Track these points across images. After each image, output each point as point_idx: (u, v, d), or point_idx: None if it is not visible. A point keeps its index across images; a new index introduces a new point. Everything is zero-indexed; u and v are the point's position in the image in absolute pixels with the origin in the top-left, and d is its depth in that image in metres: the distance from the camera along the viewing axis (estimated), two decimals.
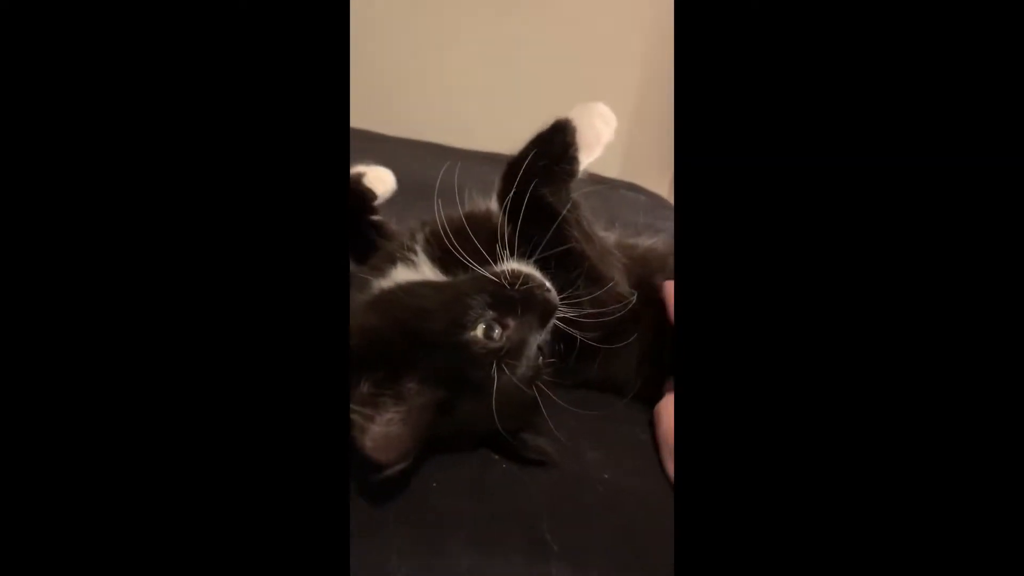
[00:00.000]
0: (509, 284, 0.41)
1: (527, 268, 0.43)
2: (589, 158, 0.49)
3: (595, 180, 1.28)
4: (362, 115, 1.22)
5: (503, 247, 0.43)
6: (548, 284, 0.42)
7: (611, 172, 1.40)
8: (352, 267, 0.56)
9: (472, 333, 0.39)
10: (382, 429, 0.34)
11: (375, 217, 0.58)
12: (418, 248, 0.47)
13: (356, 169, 0.59)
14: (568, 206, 0.46)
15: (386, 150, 1.19)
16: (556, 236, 0.44)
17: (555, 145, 0.48)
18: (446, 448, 0.39)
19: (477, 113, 1.49)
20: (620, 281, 0.47)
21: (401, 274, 0.47)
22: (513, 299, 0.40)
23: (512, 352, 0.39)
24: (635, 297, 0.46)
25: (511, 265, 0.42)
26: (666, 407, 0.44)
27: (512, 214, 0.45)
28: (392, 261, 0.48)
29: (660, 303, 0.46)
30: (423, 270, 0.47)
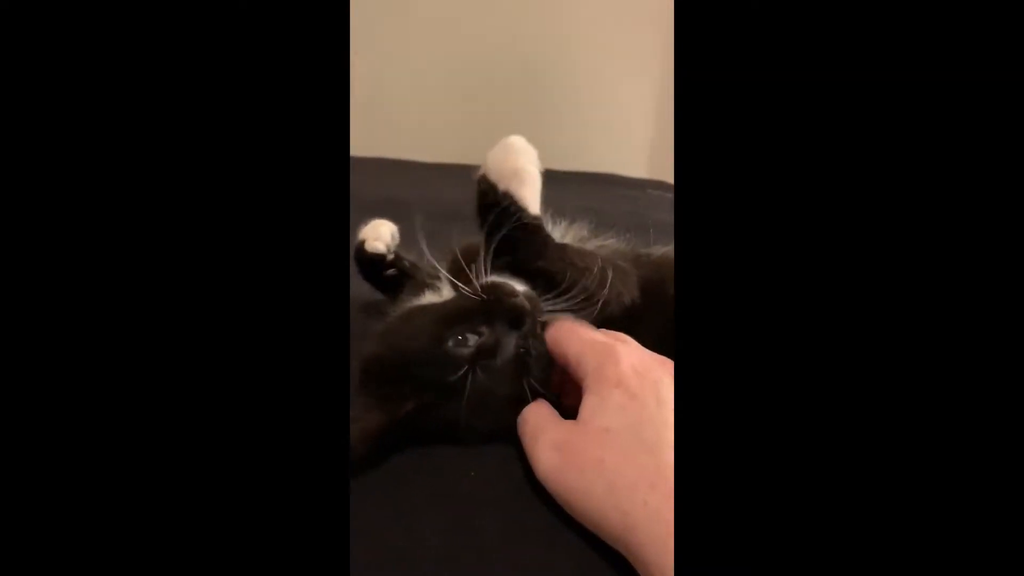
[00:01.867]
0: (481, 295, 0.45)
1: (501, 279, 0.47)
2: (528, 192, 0.49)
3: (621, 183, 1.30)
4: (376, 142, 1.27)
5: (479, 264, 0.48)
6: (517, 290, 0.46)
7: (638, 172, 1.41)
8: (384, 298, 0.61)
9: (448, 343, 0.44)
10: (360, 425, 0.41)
11: (391, 271, 0.61)
12: (441, 275, 0.51)
13: (358, 237, 0.62)
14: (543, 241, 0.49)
15: (411, 175, 1.23)
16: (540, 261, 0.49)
17: (489, 198, 0.49)
18: (454, 442, 0.45)
19: (495, 127, 1.51)
20: (624, 292, 0.50)
21: (428, 300, 0.51)
22: (482, 307, 0.45)
23: (485, 354, 0.43)
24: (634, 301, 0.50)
25: (488, 279, 0.47)
26: (530, 411, 0.44)
27: (488, 236, 0.49)
28: (423, 289, 0.52)
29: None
30: (444, 294, 0.51)
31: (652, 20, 1.50)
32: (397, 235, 0.63)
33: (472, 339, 0.44)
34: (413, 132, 1.50)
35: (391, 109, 1.51)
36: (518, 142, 0.50)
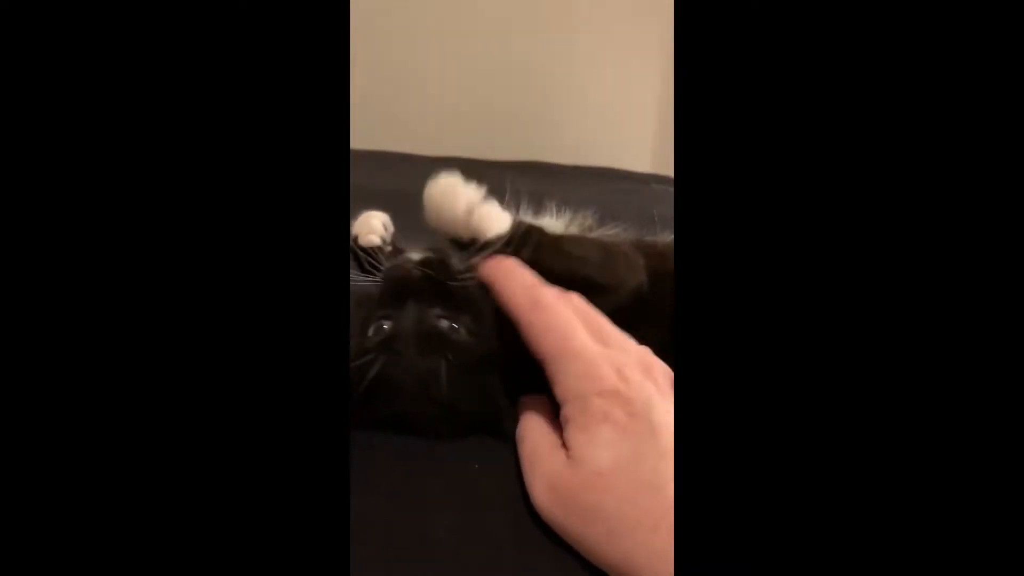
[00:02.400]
0: (377, 278, 0.43)
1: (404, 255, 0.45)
2: (493, 223, 0.46)
3: (625, 177, 1.31)
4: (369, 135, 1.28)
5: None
6: (408, 259, 0.43)
7: (642, 166, 1.41)
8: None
9: (369, 333, 0.41)
10: None
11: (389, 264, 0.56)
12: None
13: (352, 232, 0.59)
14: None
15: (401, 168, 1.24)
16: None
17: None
18: (433, 435, 0.43)
19: (500, 122, 1.51)
20: (631, 278, 0.47)
21: None
22: (384, 290, 0.42)
23: (392, 341, 0.40)
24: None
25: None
26: (527, 427, 0.40)
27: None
28: None
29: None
30: None
31: (656, 16, 1.50)
32: (390, 224, 0.61)
33: (387, 325, 0.41)
34: (418, 126, 1.51)
35: (395, 103, 1.52)
36: (445, 184, 0.47)
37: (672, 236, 0.58)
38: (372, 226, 0.60)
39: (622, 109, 1.63)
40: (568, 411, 0.37)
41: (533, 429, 0.40)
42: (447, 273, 0.42)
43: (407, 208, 0.65)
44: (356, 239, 0.59)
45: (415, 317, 0.41)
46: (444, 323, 0.41)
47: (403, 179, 1.10)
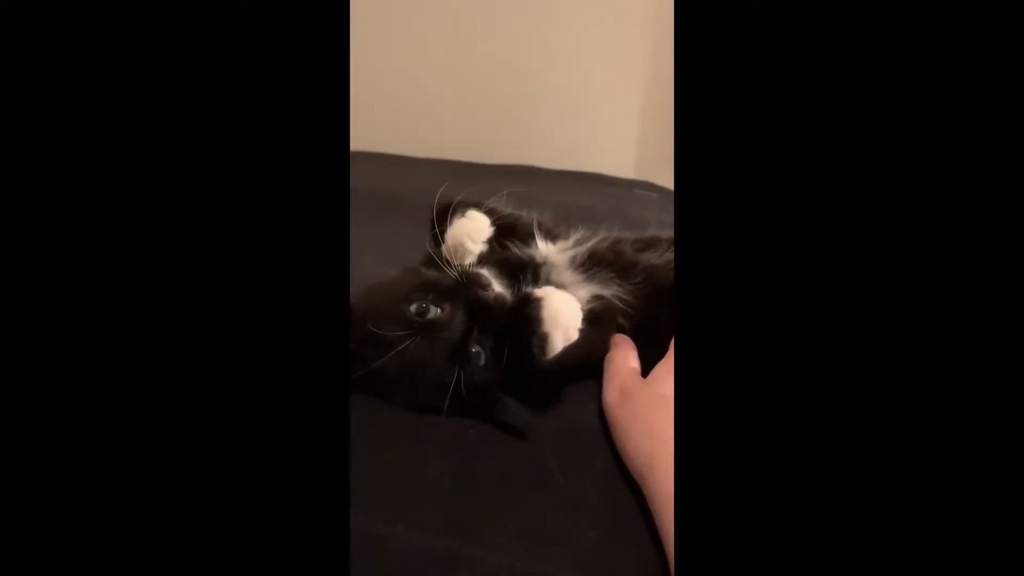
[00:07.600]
0: (459, 276, 0.50)
1: (485, 271, 0.52)
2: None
3: (608, 182, 1.33)
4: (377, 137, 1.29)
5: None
6: (489, 284, 0.50)
7: (625, 172, 1.44)
8: None
9: (409, 307, 0.48)
10: None
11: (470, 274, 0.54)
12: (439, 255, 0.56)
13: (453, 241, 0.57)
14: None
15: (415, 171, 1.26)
16: None
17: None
18: (380, 395, 0.49)
19: (488, 127, 1.54)
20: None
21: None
22: (452, 288, 0.49)
23: (433, 329, 0.47)
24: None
25: (473, 268, 0.52)
26: (617, 352, 0.53)
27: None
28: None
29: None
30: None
31: (641, 24, 1.53)
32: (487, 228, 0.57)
33: (433, 311, 0.47)
34: (405, 128, 1.53)
35: (390, 107, 1.53)
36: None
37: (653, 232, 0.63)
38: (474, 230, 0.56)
39: (605, 115, 1.65)
40: (667, 357, 0.51)
41: (620, 354, 0.53)
42: (502, 312, 0.49)
43: (394, 208, 0.67)
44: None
45: (461, 331, 0.47)
46: (475, 347, 0.48)
47: (391, 180, 1.12)
